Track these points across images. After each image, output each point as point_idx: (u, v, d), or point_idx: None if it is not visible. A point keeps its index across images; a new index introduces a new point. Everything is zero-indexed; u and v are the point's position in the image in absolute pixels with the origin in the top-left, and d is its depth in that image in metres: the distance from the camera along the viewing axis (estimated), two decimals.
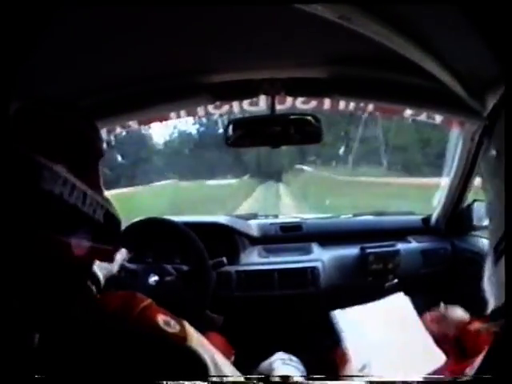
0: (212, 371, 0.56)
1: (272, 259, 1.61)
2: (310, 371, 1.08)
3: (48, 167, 0.50)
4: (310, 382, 0.51)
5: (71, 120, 0.57)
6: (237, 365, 0.69)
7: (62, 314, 0.50)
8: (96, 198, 0.56)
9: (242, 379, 0.54)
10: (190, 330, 0.58)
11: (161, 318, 0.55)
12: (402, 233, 1.70)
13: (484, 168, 0.59)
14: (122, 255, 1.25)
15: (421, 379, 0.51)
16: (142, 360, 0.50)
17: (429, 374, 0.78)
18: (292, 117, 1.23)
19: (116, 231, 0.60)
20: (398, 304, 1.06)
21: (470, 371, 0.53)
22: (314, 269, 1.52)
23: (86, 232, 0.53)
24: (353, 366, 0.90)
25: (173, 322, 0.56)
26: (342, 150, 9.75)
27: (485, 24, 0.54)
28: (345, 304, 1.09)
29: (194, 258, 1.39)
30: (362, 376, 0.86)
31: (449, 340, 0.93)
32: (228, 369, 0.63)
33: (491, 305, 0.55)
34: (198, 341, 0.58)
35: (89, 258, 0.53)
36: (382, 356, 0.90)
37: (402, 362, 0.88)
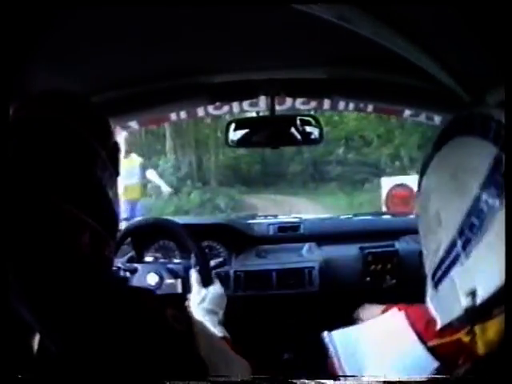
0: (223, 369, 0.55)
1: (270, 259, 1.60)
2: (309, 371, 1.08)
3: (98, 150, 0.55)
4: (310, 381, 0.50)
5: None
6: None
7: (70, 303, 0.48)
8: (118, 194, 0.59)
9: (239, 379, 0.53)
10: (198, 326, 0.56)
11: (169, 313, 0.51)
12: (400, 233, 1.70)
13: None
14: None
15: (420, 379, 0.51)
16: (148, 356, 0.47)
17: None
18: (292, 117, 1.23)
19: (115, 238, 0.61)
20: (393, 322, 0.99)
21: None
22: (312, 269, 1.52)
23: (102, 222, 0.55)
24: None
25: (181, 317, 0.53)
26: None
27: (484, 25, 0.54)
28: (343, 304, 1.09)
29: (192, 258, 1.38)
30: (362, 376, 0.85)
31: None
32: (240, 364, 0.62)
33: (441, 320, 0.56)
34: (207, 338, 0.56)
35: (94, 245, 0.53)
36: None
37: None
